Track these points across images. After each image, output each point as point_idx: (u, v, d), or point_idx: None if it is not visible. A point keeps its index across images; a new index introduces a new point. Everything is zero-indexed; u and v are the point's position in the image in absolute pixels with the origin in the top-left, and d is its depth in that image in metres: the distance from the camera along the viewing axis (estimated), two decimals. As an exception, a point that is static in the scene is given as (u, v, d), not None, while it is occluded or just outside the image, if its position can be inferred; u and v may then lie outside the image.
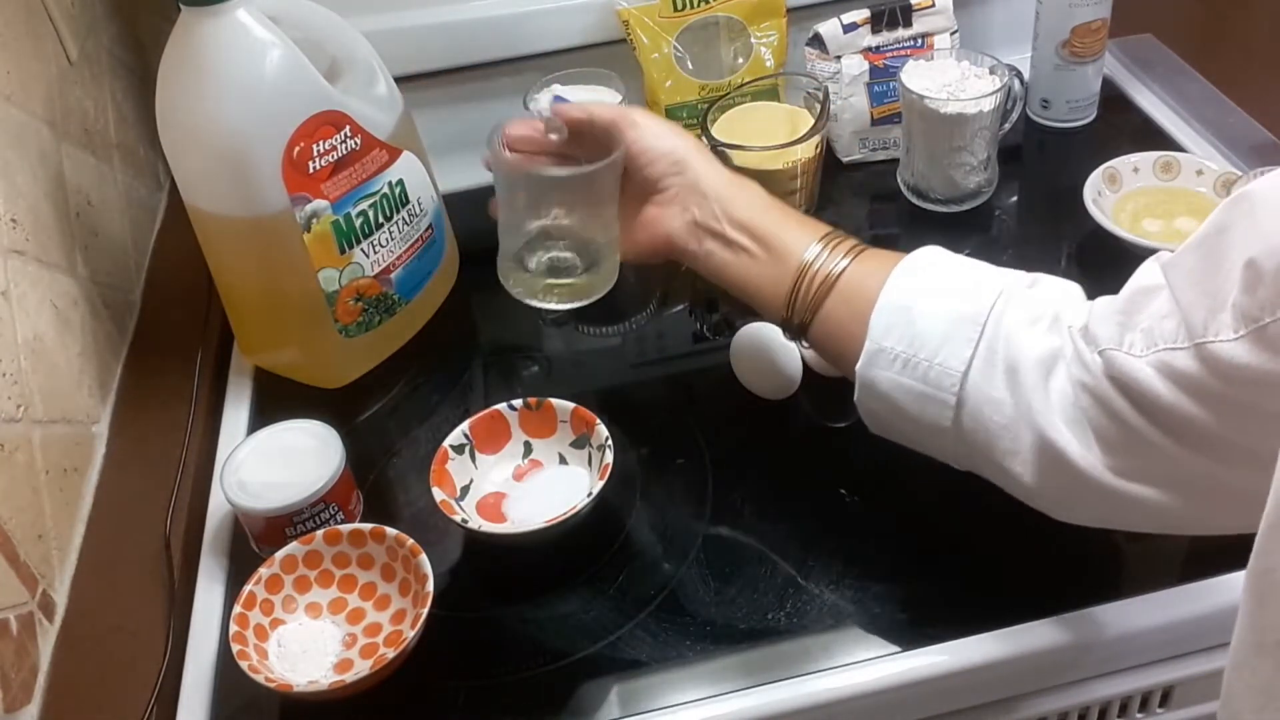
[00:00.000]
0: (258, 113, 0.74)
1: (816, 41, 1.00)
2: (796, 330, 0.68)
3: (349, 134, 0.79)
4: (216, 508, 0.78)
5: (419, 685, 0.66)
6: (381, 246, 0.84)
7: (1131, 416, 0.53)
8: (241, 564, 0.74)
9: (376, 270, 0.84)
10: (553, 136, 0.78)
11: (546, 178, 0.77)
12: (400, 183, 0.84)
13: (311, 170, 0.77)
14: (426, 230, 0.88)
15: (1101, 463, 0.55)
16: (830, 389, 0.82)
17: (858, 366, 0.63)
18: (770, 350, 0.81)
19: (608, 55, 1.02)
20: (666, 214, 0.73)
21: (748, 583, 0.70)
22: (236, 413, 0.87)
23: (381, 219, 0.83)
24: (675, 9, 0.99)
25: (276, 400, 0.86)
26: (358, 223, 0.81)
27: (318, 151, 0.77)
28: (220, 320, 0.93)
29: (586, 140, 0.76)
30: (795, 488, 0.76)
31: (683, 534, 0.73)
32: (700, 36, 1.01)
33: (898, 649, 0.65)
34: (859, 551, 0.71)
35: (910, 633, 0.66)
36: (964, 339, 0.59)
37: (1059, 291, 0.61)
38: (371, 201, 0.82)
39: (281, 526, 0.72)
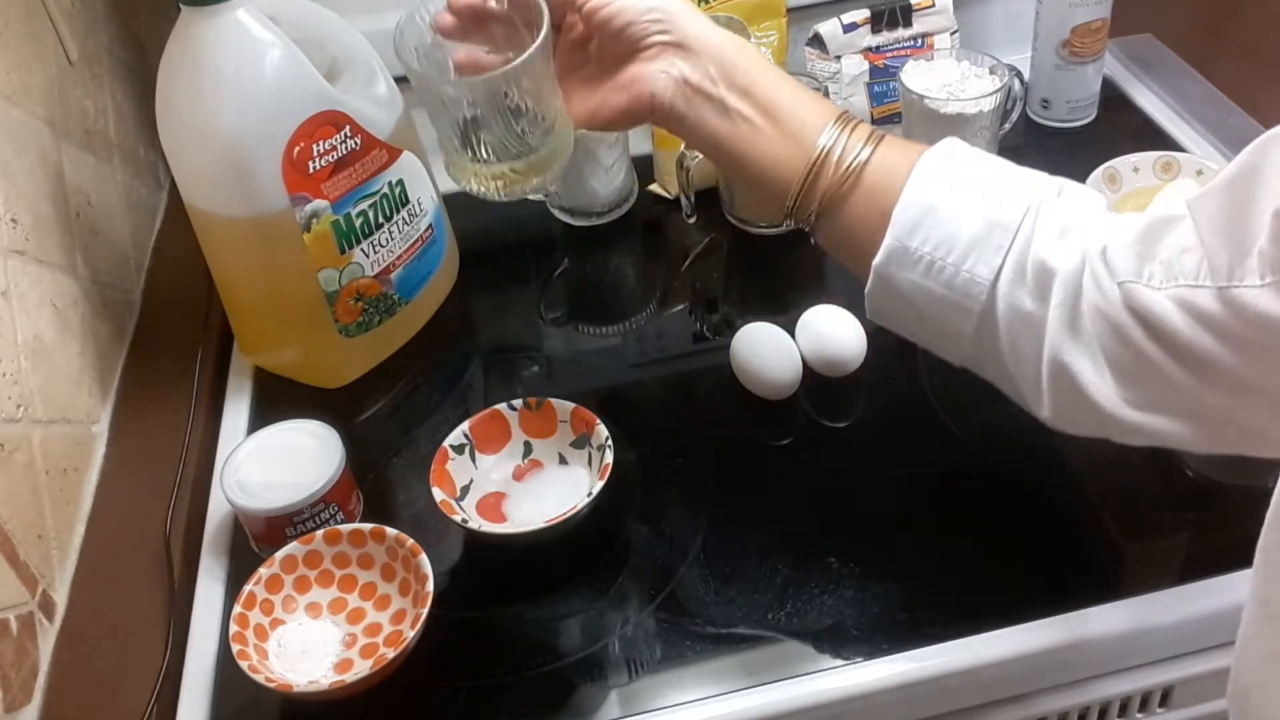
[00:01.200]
0: (257, 113, 0.74)
1: (816, 41, 1.00)
2: (804, 219, 0.63)
3: (349, 134, 0.79)
4: (216, 508, 0.78)
5: (419, 685, 0.66)
6: (381, 246, 0.84)
7: (1149, 348, 0.52)
8: (241, 564, 0.74)
9: (376, 270, 0.84)
10: (493, 3, 0.67)
11: (480, 82, 0.67)
12: (400, 183, 0.84)
13: (311, 170, 0.77)
14: (426, 230, 0.87)
15: (1115, 392, 0.54)
16: (830, 389, 0.82)
17: (875, 263, 0.59)
18: (770, 350, 0.81)
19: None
20: (650, 71, 0.63)
21: (748, 583, 0.70)
22: (236, 413, 0.87)
23: (381, 219, 0.83)
24: (675, 9, 0.99)
25: (276, 400, 0.86)
26: (358, 223, 0.81)
27: (318, 151, 0.77)
28: (220, 320, 0.93)
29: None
30: (795, 488, 0.76)
31: (683, 534, 0.73)
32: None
33: (897, 649, 0.65)
34: (859, 551, 0.71)
35: (910, 633, 0.66)
36: (995, 246, 0.56)
37: (1083, 202, 0.58)
38: (371, 201, 0.82)
39: (281, 526, 0.72)
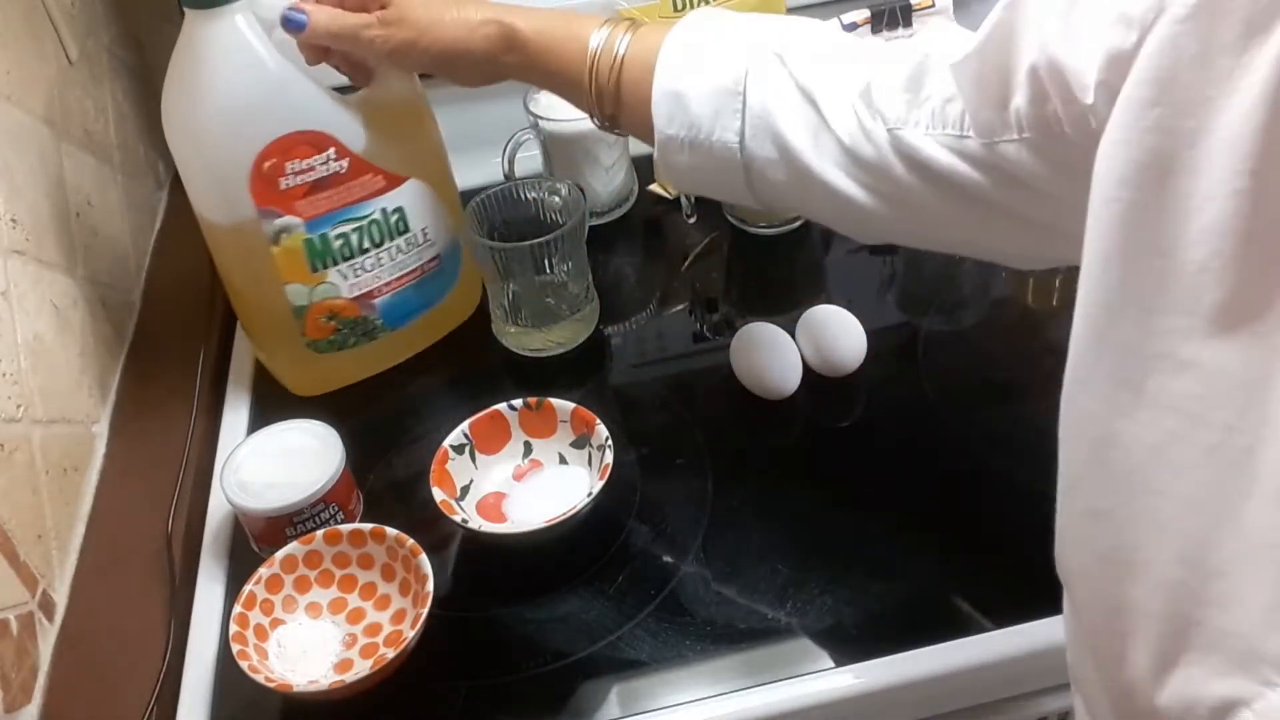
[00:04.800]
0: (229, 123, 0.74)
1: (816, 41, 1.00)
2: (608, 121, 0.70)
3: (333, 156, 0.77)
4: (216, 508, 0.78)
5: (419, 685, 0.66)
6: (365, 271, 0.82)
7: (913, 183, 0.58)
8: (241, 564, 0.74)
9: (356, 293, 0.82)
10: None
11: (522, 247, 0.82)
12: (400, 211, 0.82)
13: (283, 186, 0.76)
14: (430, 261, 0.85)
15: (880, 207, 0.60)
16: (830, 389, 0.82)
17: (655, 156, 0.67)
18: (770, 350, 0.81)
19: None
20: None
21: (748, 583, 0.70)
22: (236, 413, 0.87)
23: (368, 244, 0.81)
24: (675, 9, 0.99)
25: (276, 400, 0.86)
26: (335, 244, 0.79)
27: (292, 169, 0.76)
28: (220, 320, 0.93)
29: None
30: (795, 488, 0.76)
31: (683, 534, 0.73)
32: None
33: (897, 649, 0.65)
34: (859, 551, 0.71)
35: (911, 632, 0.66)
36: (731, 111, 0.62)
37: (814, 43, 0.63)
38: (356, 226, 0.80)
39: (281, 526, 0.72)
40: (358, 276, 0.82)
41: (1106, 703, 0.43)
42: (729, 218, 0.99)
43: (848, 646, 0.66)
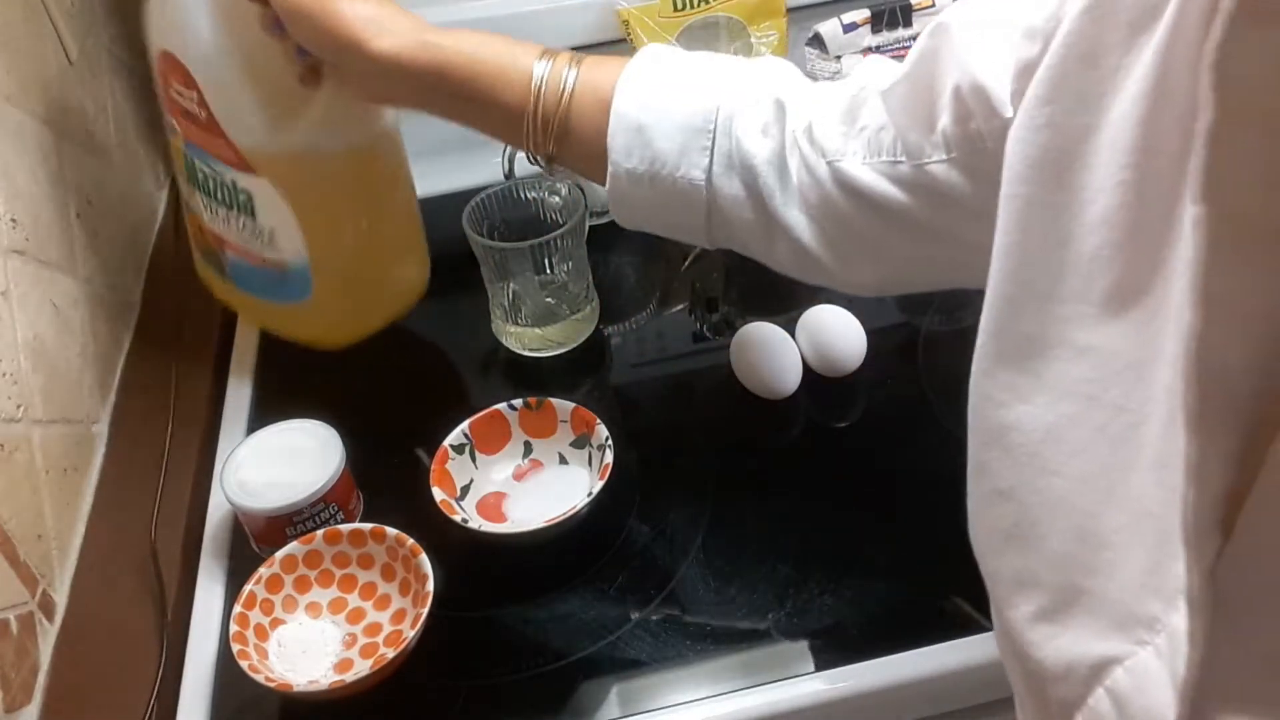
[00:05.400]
0: (163, 14, 0.74)
1: (816, 41, 1.00)
2: (545, 159, 0.67)
3: (195, 101, 0.74)
4: (216, 508, 0.78)
5: (419, 685, 0.66)
6: (215, 218, 0.79)
7: (855, 214, 0.58)
8: (241, 564, 0.74)
9: (212, 228, 0.80)
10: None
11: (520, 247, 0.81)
12: (248, 195, 0.76)
13: (172, 95, 0.75)
14: (275, 263, 0.79)
15: (828, 254, 0.61)
16: (830, 389, 0.82)
17: (607, 187, 0.65)
18: (770, 350, 0.81)
19: (608, 55, 1.02)
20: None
21: (748, 583, 0.70)
22: (236, 413, 0.87)
23: (219, 200, 0.78)
24: (675, 9, 0.99)
25: (276, 400, 0.86)
26: (199, 174, 0.78)
27: (174, 88, 0.75)
28: (220, 320, 0.93)
29: None
30: (795, 488, 0.76)
31: (683, 534, 0.74)
32: (700, 36, 1.01)
33: (898, 649, 0.65)
34: (859, 551, 0.71)
35: (911, 632, 0.66)
36: (700, 148, 0.61)
37: (777, 86, 0.62)
38: (213, 175, 0.76)
39: (281, 526, 0.72)
40: (212, 215, 0.79)
41: (1015, 667, 0.46)
42: (729, 218, 0.99)
43: (847, 646, 0.66)
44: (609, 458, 0.72)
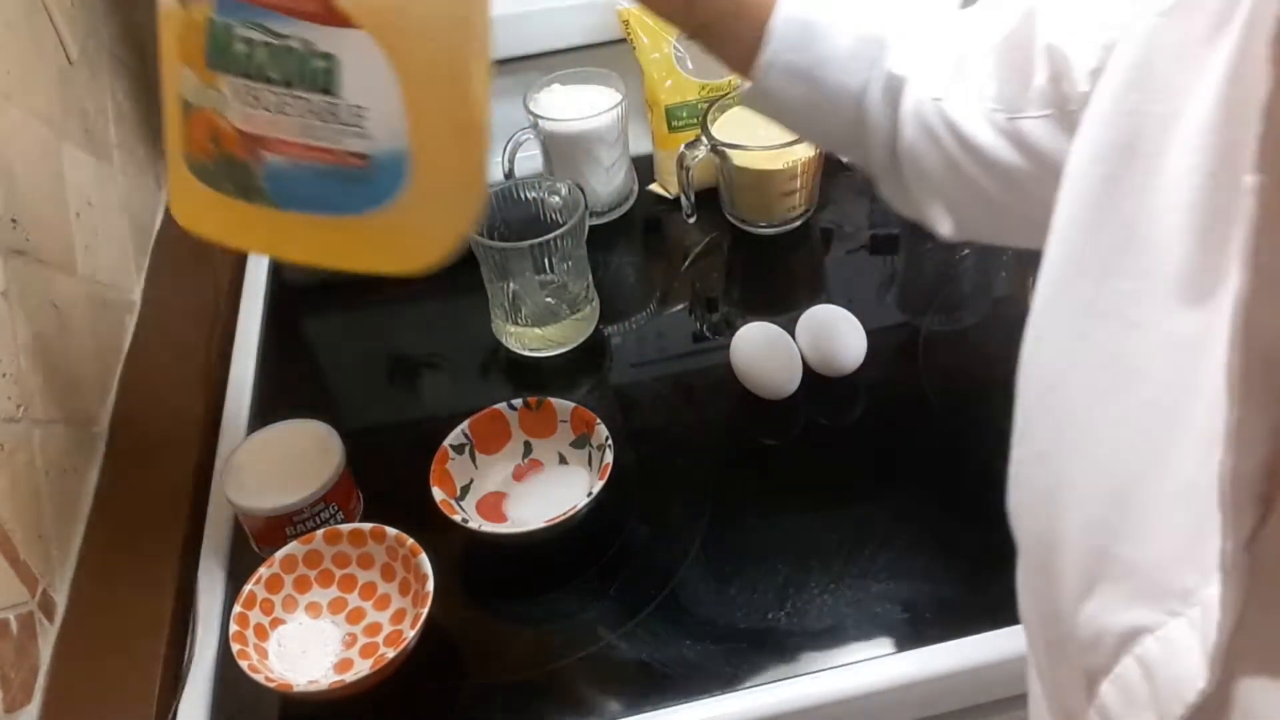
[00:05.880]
0: None
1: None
2: (696, 28, 0.64)
3: None
4: (216, 508, 0.78)
5: (419, 685, 0.66)
6: (259, 106, 0.57)
7: (951, 155, 0.58)
8: (241, 564, 0.74)
9: (245, 126, 0.58)
10: None
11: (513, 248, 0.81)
12: (330, 61, 0.56)
13: None
14: (354, 157, 0.58)
15: (917, 187, 0.61)
16: (830, 389, 0.82)
17: (756, 76, 0.62)
18: (770, 350, 0.81)
19: (608, 55, 1.02)
20: None
21: (748, 583, 0.70)
22: (236, 413, 0.87)
23: (275, 74, 0.56)
24: (675, 9, 0.99)
25: (276, 400, 0.86)
26: (237, 47, 0.56)
27: None
28: (220, 320, 0.93)
29: None
30: (795, 488, 0.76)
31: (683, 534, 0.74)
32: (700, 36, 1.01)
33: (898, 649, 0.65)
34: (859, 551, 0.71)
35: (910, 633, 0.66)
36: (868, 59, 0.61)
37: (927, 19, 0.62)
38: (268, 42, 0.56)
39: (281, 526, 0.72)
40: (250, 107, 0.58)
41: (1039, 634, 0.47)
42: (729, 218, 0.99)
43: (848, 646, 0.66)
44: (609, 458, 0.72)
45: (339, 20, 0.55)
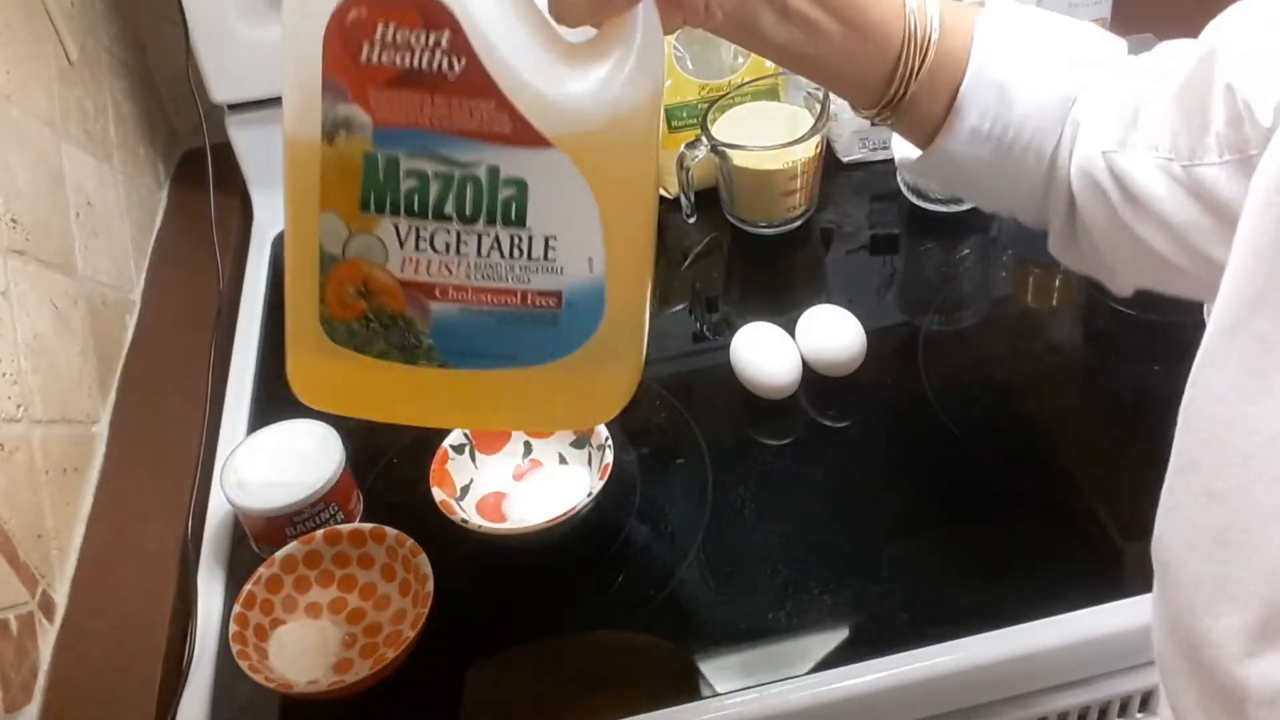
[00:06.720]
0: None
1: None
2: (888, 110, 0.60)
3: (445, 45, 0.46)
4: (216, 508, 0.78)
5: (419, 685, 0.66)
6: (431, 247, 0.50)
7: (1120, 209, 0.56)
8: (241, 564, 0.74)
9: (408, 274, 0.50)
10: None
11: None
12: (519, 187, 0.49)
13: (363, 57, 0.47)
14: (543, 296, 0.51)
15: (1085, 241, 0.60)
16: (830, 389, 0.82)
17: (944, 142, 0.59)
18: (770, 350, 0.81)
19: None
20: None
21: (748, 583, 0.70)
22: (236, 413, 0.87)
23: (450, 209, 0.49)
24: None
25: (276, 400, 0.86)
26: (405, 181, 0.49)
27: (380, 36, 0.46)
28: (220, 320, 0.93)
29: None
30: (795, 488, 0.76)
31: (683, 534, 0.74)
32: (700, 36, 1.01)
33: (898, 649, 0.65)
34: (859, 551, 0.71)
35: (910, 633, 0.66)
36: (1056, 120, 0.59)
37: (1121, 64, 0.61)
38: (443, 171, 0.48)
39: (281, 526, 0.72)
40: (418, 249, 0.50)
41: (1191, 684, 0.44)
42: (729, 218, 0.99)
43: (848, 646, 0.66)
44: (609, 457, 0.72)
45: (534, 140, 0.48)
